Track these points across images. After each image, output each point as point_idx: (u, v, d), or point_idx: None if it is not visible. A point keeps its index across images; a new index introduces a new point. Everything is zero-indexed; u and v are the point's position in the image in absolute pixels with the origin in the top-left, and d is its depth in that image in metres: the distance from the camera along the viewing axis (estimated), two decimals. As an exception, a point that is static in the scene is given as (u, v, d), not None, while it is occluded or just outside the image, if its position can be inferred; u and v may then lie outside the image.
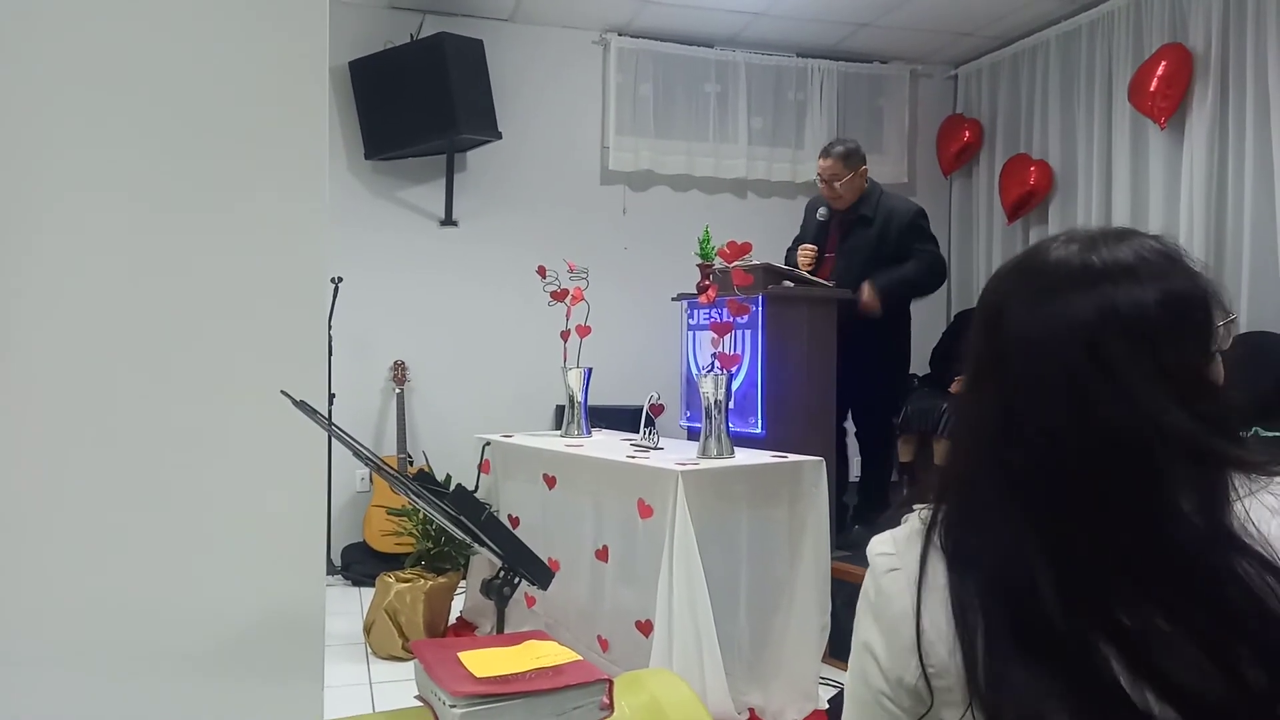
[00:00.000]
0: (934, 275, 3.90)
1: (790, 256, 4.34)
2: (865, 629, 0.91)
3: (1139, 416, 0.78)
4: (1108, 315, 0.80)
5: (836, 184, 4.03)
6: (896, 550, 0.89)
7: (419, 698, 1.17)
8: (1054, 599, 0.76)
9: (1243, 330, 4.12)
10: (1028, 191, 5.35)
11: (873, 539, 0.93)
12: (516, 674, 1.07)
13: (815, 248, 4.00)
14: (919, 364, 5.48)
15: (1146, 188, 4.69)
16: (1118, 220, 4.81)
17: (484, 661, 1.10)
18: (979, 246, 5.87)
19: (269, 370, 1.75)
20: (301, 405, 1.42)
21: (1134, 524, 0.77)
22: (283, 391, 1.48)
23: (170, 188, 1.77)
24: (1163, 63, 4.48)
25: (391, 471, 1.52)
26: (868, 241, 4.02)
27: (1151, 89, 4.51)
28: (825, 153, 4.11)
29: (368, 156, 4.94)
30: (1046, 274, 0.84)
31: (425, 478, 1.63)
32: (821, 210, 4.14)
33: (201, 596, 1.78)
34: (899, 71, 5.92)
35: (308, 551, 1.84)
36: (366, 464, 1.51)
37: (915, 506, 0.91)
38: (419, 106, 4.72)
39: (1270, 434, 3.37)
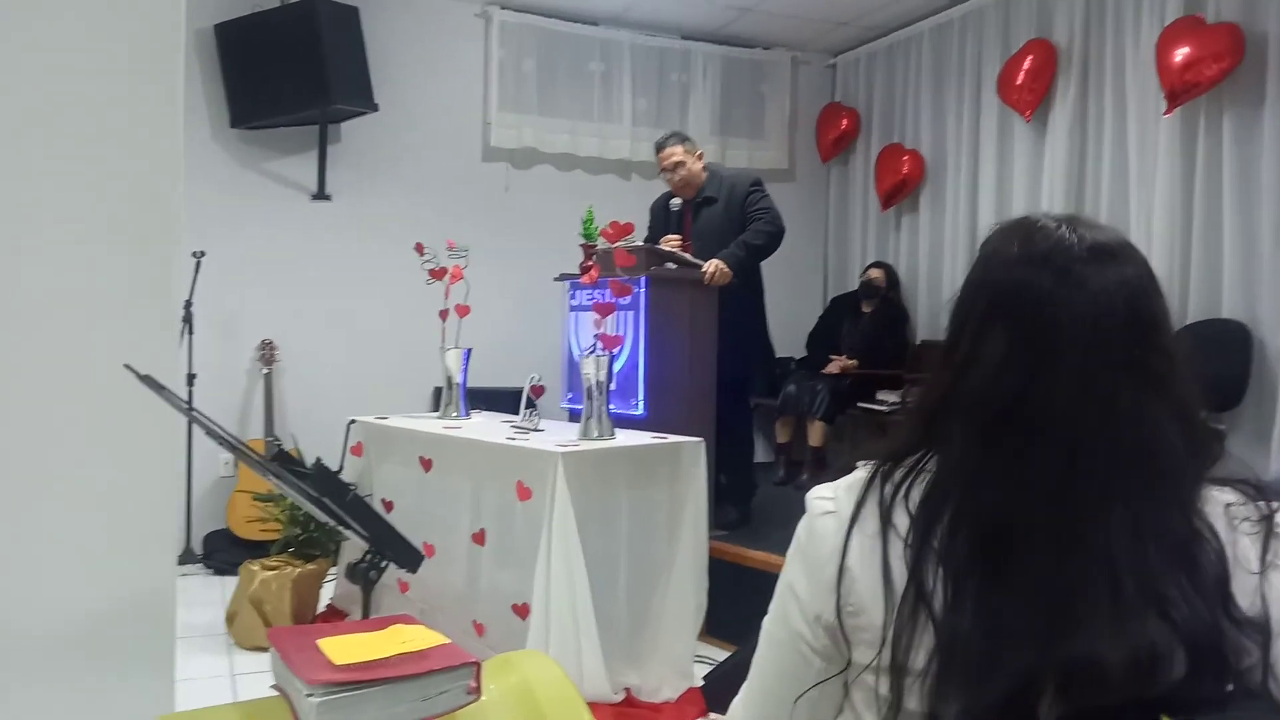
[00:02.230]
0: (772, 231, 3.96)
1: None
2: (791, 570, 0.94)
3: (1177, 389, 0.85)
4: (1135, 292, 0.86)
5: (682, 170, 4.06)
6: (835, 495, 0.92)
7: (275, 688, 1.10)
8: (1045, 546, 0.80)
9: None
10: (901, 180, 5.51)
11: (814, 488, 0.96)
12: (379, 660, 1.02)
13: (679, 237, 4.01)
14: (795, 347, 5.60)
15: (1011, 178, 4.88)
16: (984, 209, 4.99)
17: (344, 648, 1.04)
18: (854, 232, 6.01)
19: (116, 348, 1.64)
20: (147, 380, 1.32)
21: (1135, 494, 0.81)
22: (127, 366, 1.38)
23: (11, 154, 1.63)
24: (1029, 57, 4.67)
25: (250, 452, 1.43)
26: (717, 220, 4.06)
27: (1018, 82, 4.69)
28: (662, 145, 4.11)
29: (234, 125, 4.70)
30: (1064, 252, 0.86)
31: (286, 458, 1.55)
32: (675, 201, 4.16)
33: (43, 585, 1.66)
34: (780, 58, 6.00)
35: (158, 537, 1.73)
36: (220, 443, 1.42)
37: (859, 464, 0.94)
38: (289, 74, 4.51)
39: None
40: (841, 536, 0.88)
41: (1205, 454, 0.87)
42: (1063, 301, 0.84)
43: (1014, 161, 4.87)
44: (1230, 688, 0.81)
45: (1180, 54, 3.88)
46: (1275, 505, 0.87)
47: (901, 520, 0.87)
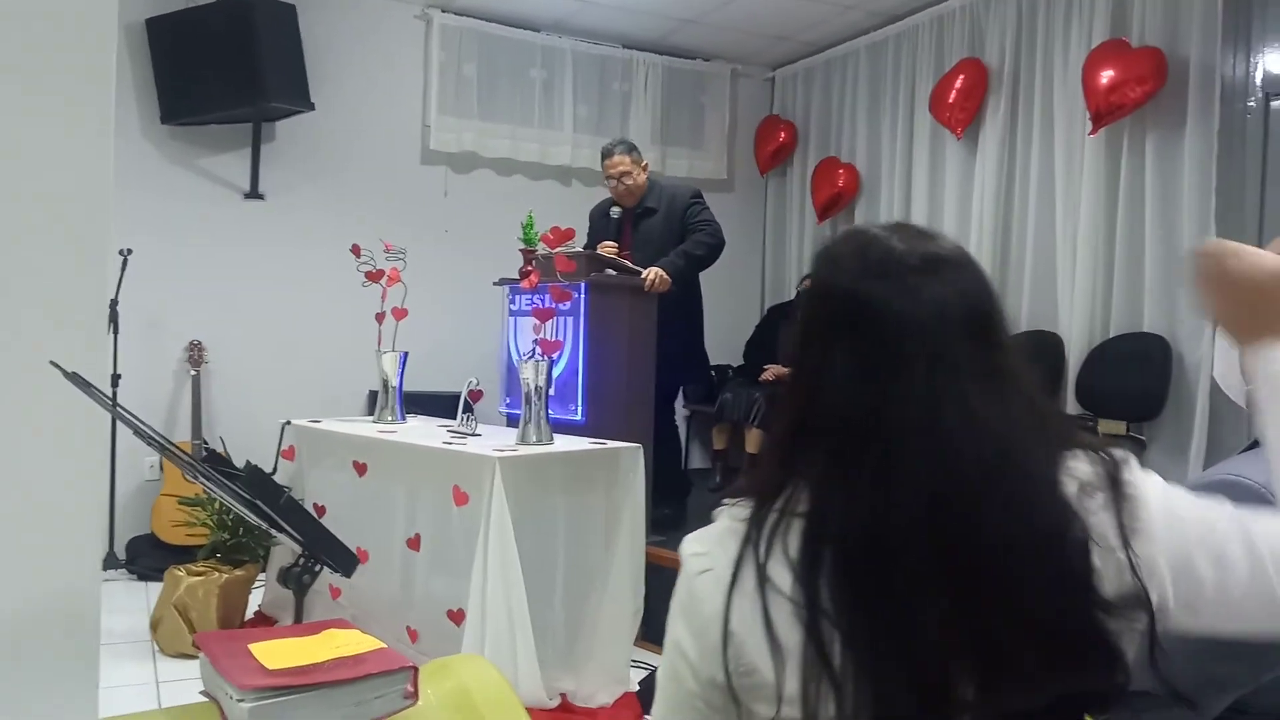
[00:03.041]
0: (712, 243, 4.01)
1: None
2: (677, 630, 0.90)
3: (1009, 387, 0.85)
4: (964, 297, 0.86)
5: (627, 180, 4.08)
6: (707, 550, 0.89)
7: (205, 693, 1.08)
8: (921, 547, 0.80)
9: (1024, 329, 4.46)
10: (837, 193, 5.59)
11: (685, 539, 0.92)
12: (312, 665, 1.00)
13: (616, 245, 4.03)
14: (732, 355, 5.65)
15: (943, 194, 4.99)
16: (916, 223, 5.09)
17: (277, 653, 1.02)
18: (791, 244, 6.09)
19: (40, 346, 1.58)
20: (74, 378, 1.28)
21: (1003, 494, 0.81)
22: (53, 363, 1.34)
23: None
24: (961, 76, 4.78)
25: (181, 454, 1.40)
26: (657, 230, 4.10)
27: (950, 100, 4.80)
28: (610, 152, 4.13)
29: (164, 120, 4.59)
30: (898, 262, 0.87)
31: (217, 459, 1.52)
32: (614, 209, 4.18)
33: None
34: (720, 70, 6.05)
35: (81, 541, 1.68)
36: (150, 444, 1.39)
37: (725, 503, 0.91)
38: (223, 70, 4.42)
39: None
40: (722, 599, 0.84)
41: (1060, 440, 0.88)
42: (901, 311, 0.84)
43: (945, 177, 4.99)
44: (1125, 680, 0.84)
45: (1106, 76, 4.02)
46: (1119, 458, 0.88)
47: (780, 574, 0.83)
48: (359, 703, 0.99)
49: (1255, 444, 1.14)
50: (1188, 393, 3.85)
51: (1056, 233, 4.40)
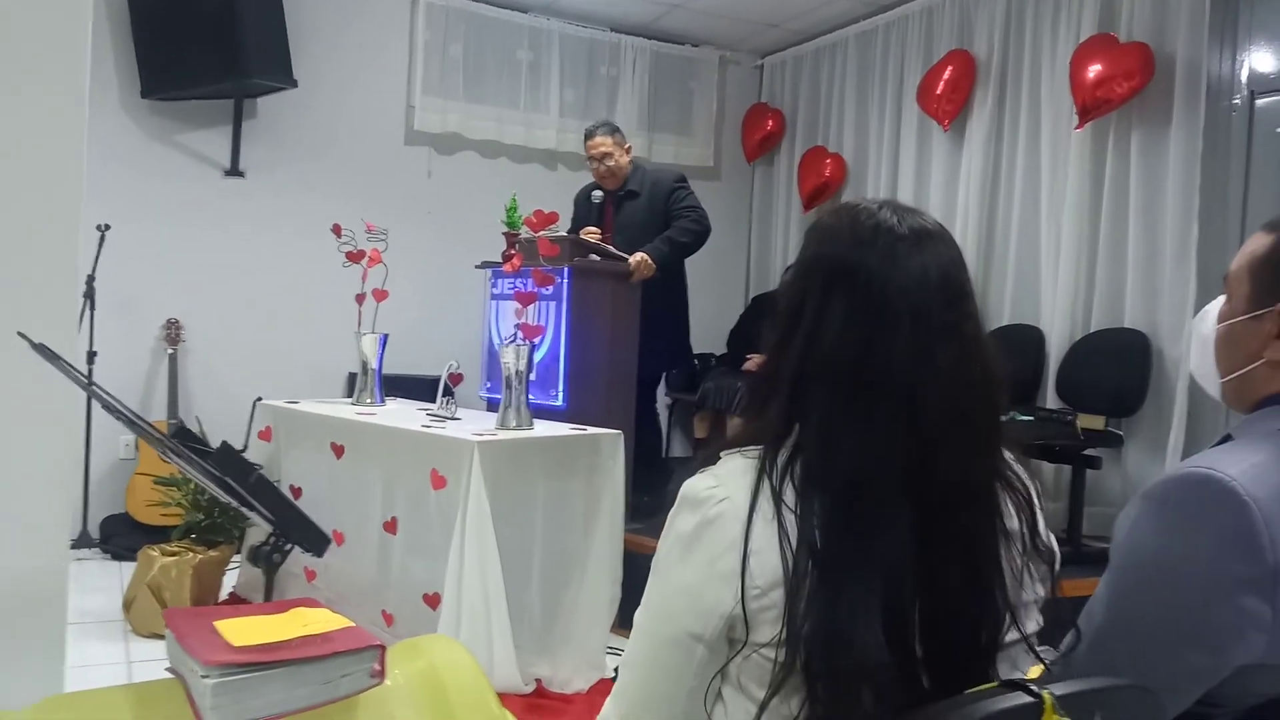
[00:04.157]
0: (698, 229, 3.99)
1: None
2: (679, 566, 0.94)
3: (982, 350, 0.96)
4: (947, 267, 0.96)
5: (609, 161, 4.05)
6: (722, 483, 0.94)
7: (171, 670, 1.06)
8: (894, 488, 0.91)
9: (1005, 322, 4.47)
10: (823, 182, 5.58)
11: (690, 480, 0.97)
12: (279, 642, 0.99)
13: (598, 230, 4.01)
14: (716, 344, 5.64)
15: (929, 185, 4.99)
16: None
17: (243, 630, 1.00)
18: (777, 233, 6.08)
19: (11, 320, 1.55)
20: (40, 349, 1.26)
21: (956, 442, 0.93)
22: (20, 333, 1.31)
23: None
24: (949, 67, 4.77)
25: (149, 428, 1.37)
26: (639, 213, 4.07)
27: (938, 92, 4.80)
28: (592, 133, 4.11)
29: (145, 95, 4.53)
30: (889, 232, 0.96)
31: (187, 435, 1.49)
32: (596, 193, 4.15)
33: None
34: (709, 56, 6.03)
35: (50, 519, 1.65)
36: (118, 417, 1.36)
37: (726, 452, 0.98)
38: (204, 45, 4.35)
39: (1025, 417, 3.67)
40: (741, 524, 0.90)
41: (1004, 404, 1.00)
42: (889, 277, 0.94)
43: (932, 169, 4.99)
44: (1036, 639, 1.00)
45: (1093, 71, 4.02)
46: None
47: (792, 499, 0.91)
48: (326, 681, 0.98)
49: (1228, 437, 1.14)
50: (1167, 388, 3.87)
51: (1041, 227, 4.41)
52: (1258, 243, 1.15)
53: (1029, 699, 0.83)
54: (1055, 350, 4.22)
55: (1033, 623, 1.00)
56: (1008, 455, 1.01)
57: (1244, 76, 3.82)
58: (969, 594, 0.92)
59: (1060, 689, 0.85)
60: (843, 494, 0.90)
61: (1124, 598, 1.05)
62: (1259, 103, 3.79)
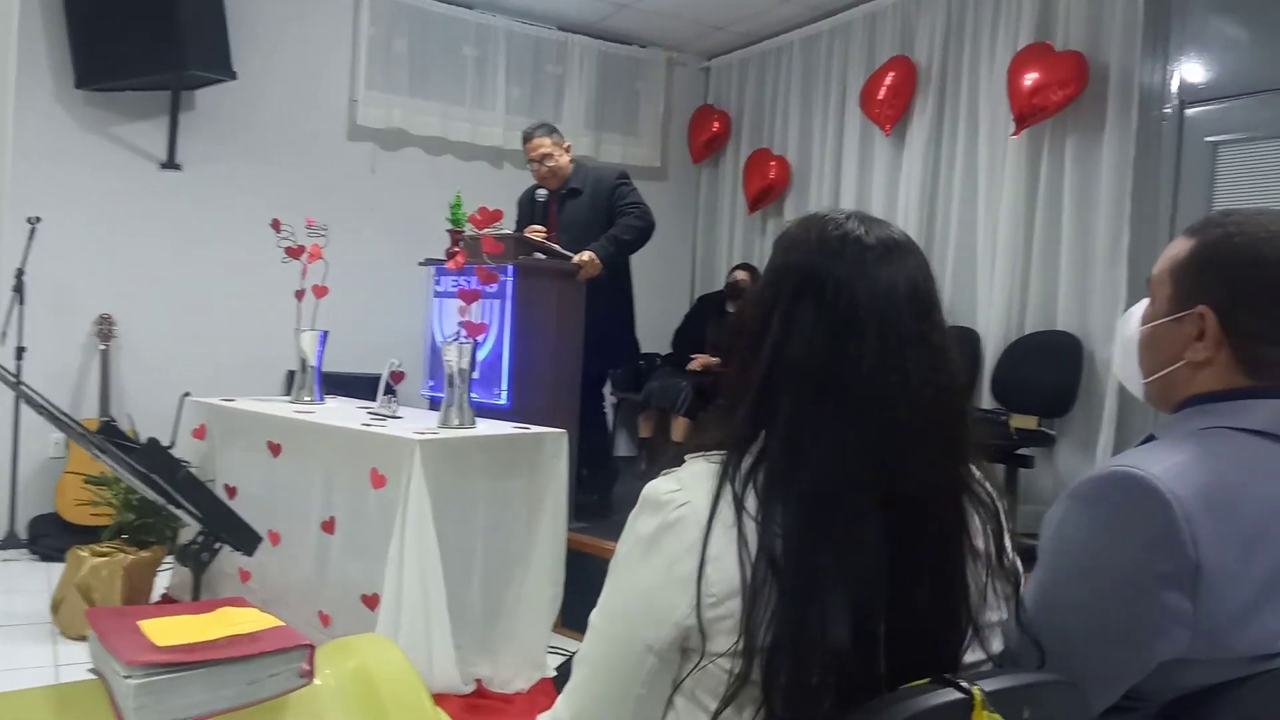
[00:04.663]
0: (642, 226, 3.99)
1: None
2: (637, 568, 0.94)
3: (950, 360, 0.96)
4: (915, 277, 0.97)
5: (549, 162, 4.04)
6: (684, 487, 0.94)
7: (93, 670, 1.03)
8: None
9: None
10: (768, 184, 5.63)
11: (652, 483, 0.97)
12: (204, 642, 0.97)
13: (543, 228, 4.00)
14: (661, 343, 5.65)
15: (871, 188, 5.06)
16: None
17: (168, 630, 0.98)
18: (722, 234, 6.12)
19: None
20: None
21: (926, 452, 0.93)
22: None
23: None
24: (891, 73, 4.84)
25: (74, 424, 1.33)
26: (583, 212, 4.06)
27: (880, 97, 4.87)
28: (530, 135, 4.09)
29: (79, 85, 4.40)
30: (856, 242, 0.97)
31: (114, 431, 1.45)
32: (540, 192, 4.14)
33: None
34: (656, 57, 6.04)
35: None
36: (40, 412, 1.32)
37: (690, 456, 0.98)
38: (141, 34, 4.25)
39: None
40: (701, 530, 0.89)
41: (972, 425, 1.00)
42: (857, 287, 0.94)
43: (874, 172, 5.05)
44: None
45: (1029, 79, 4.11)
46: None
47: (754, 507, 0.90)
48: (252, 681, 0.96)
49: (1151, 437, 1.17)
50: (1098, 389, 3.97)
51: (978, 231, 4.49)
52: (1179, 247, 1.18)
53: (959, 695, 0.84)
54: (991, 352, 4.31)
55: (996, 643, 0.99)
56: (977, 472, 1.00)
57: (1174, 86, 3.93)
58: (935, 609, 0.92)
59: (990, 684, 0.86)
60: (807, 503, 0.89)
61: (1050, 594, 1.07)
62: (1188, 112, 3.91)
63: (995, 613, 0.98)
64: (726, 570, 0.88)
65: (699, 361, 5.22)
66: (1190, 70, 3.90)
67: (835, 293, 0.94)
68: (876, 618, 0.88)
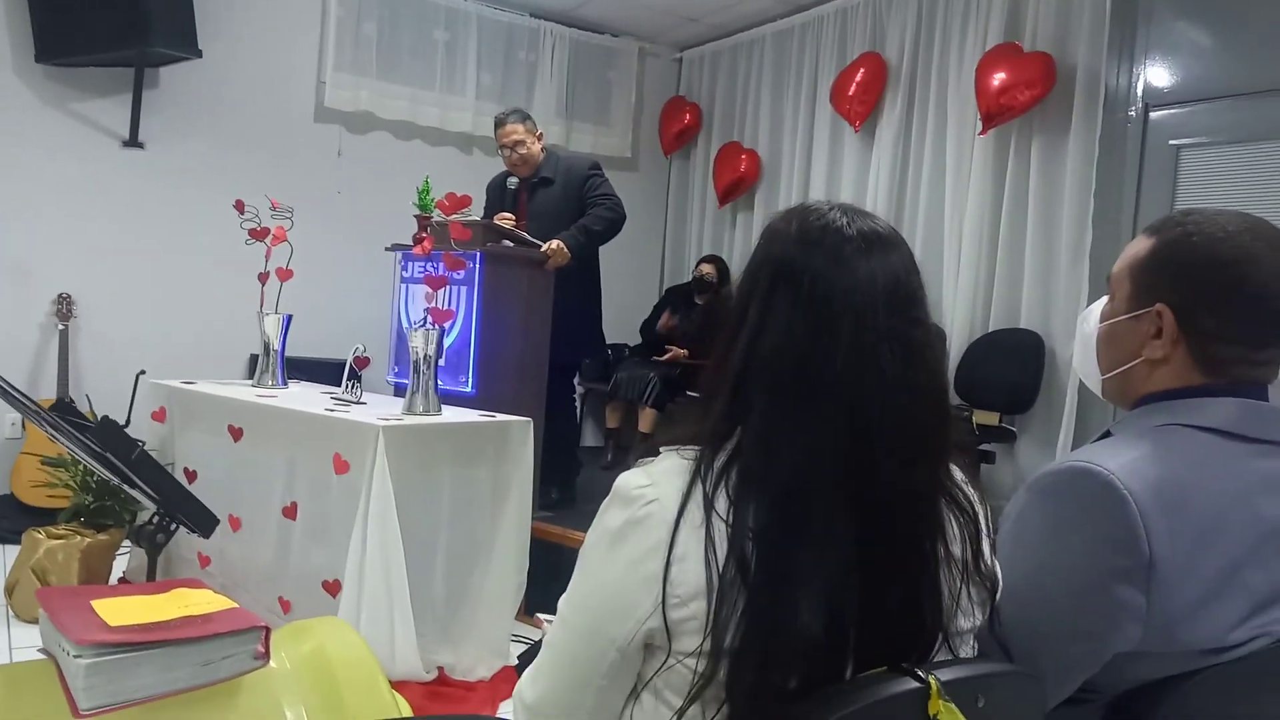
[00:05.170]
0: (613, 218, 3.98)
1: None
2: (604, 563, 0.93)
3: (929, 358, 0.94)
4: (891, 273, 0.94)
5: (521, 149, 4.02)
6: (654, 482, 0.92)
7: (44, 651, 1.01)
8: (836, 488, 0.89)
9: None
10: (739, 178, 5.64)
11: (624, 475, 0.95)
12: (157, 622, 0.95)
13: (512, 216, 3.98)
14: (629, 335, 5.65)
15: (840, 183, 5.09)
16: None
17: (121, 610, 0.97)
18: (692, 226, 6.12)
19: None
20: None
21: (901, 454, 0.90)
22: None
23: None
24: (861, 69, 4.87)
25: (24, 400, 1.31)
26: (554, 201, 4.05)
27: (850, 93, 4.89)
28: (503, 121, 4.06)
29: (39, 59, 4.31)
30: (836, 233, 0.95)
31: (67, 408, 1.42)
32: (511, 180, 4.12)
33: None
34: (628, 47, 6.02)
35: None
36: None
37: (664, 449, 0.96)
38: (105, 9, 4.16)
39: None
40: (668, 529, 0.88)
41: (952, 424, 0.98)
42: (834, 279, 0.92)
43: (843, 168, 5.08)
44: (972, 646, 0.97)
45: (997, 79, 4.14)
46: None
47: (724, 507, 0.89)
48: (206, 663, 0.95)
49: (1108, 433, 1.19)
50: (1059, 387, 4.02)
51: (944, 228, 4.53)
52: (1139, 246, 1.19)
53: (915, 684, 0.85)
54: (955, 348, 4.35)
55: (966, 650, 0.98)
56: (957, 475, 0.99)
57: (1139, 90, 3.99)
58: (904, 612, 0.90)
59: (946, 674, 0.86)
60: (780, 500, 0.88)
61: (1008, 587, 1.08)
62: (1153, 115, 3.96)
63: (968, 619, 0.97)
64: (692, 571, 0.87)
65: (672, 354, 5.23)
66: (1155, 74, 3.95)
67: (811, 284, 0.92)
68: (846, 619, 0.87)
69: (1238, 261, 1.09)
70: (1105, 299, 1.24)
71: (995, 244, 4.31)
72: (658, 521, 0.89)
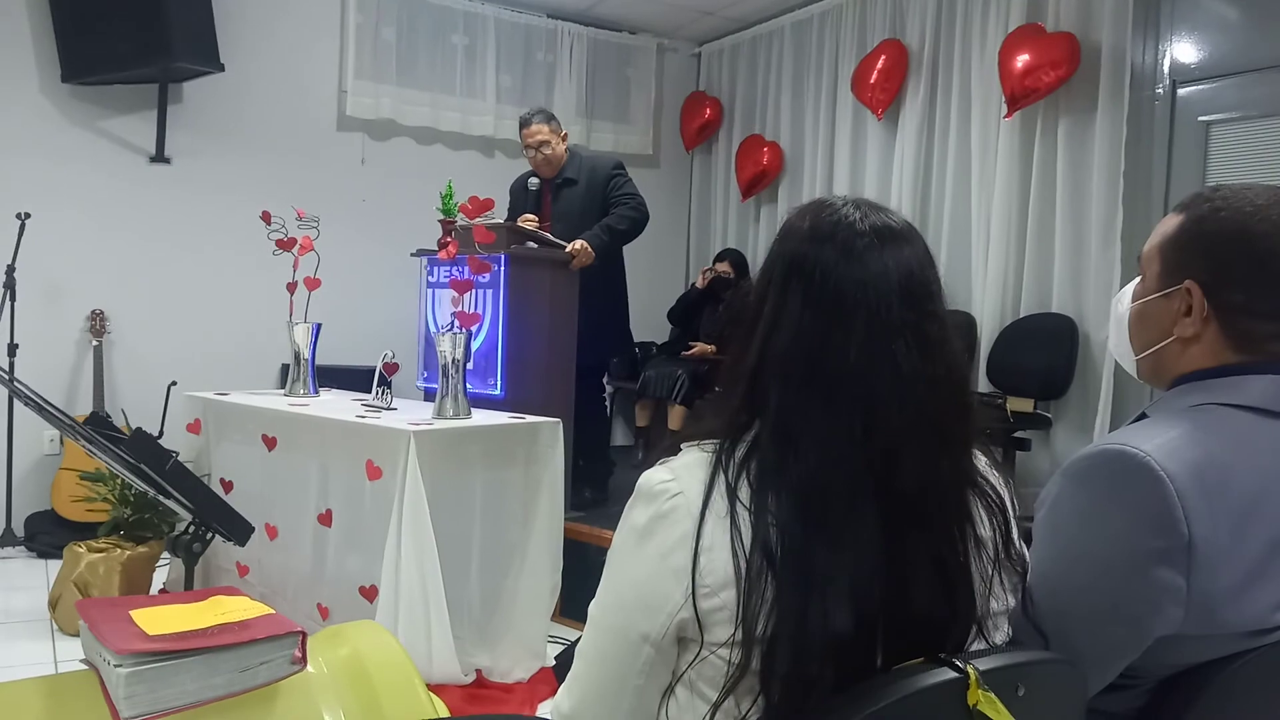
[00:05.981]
0: (637, 217, 3.97)
1: None
2: (631, 560, 0.93)
3: (946, 351, 0.94)
4: (905, 267, 0.94)
5: (545, 149, 4.02)
6: (676, 477, 0.93)
7: (85, 661, 1.03)
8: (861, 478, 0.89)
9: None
10: (761, 171, 5.62)
11: (646, 473, 0.96)
12: (195, 630, 0.96)
13: (536, 217, 3.98)
14: (656, 332, 5.65)
15: (864, 173, 5.04)
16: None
17: (159, 619, 0.98)
18: (716, 221, 6.10)
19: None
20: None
21: (918, 448, 0.91)
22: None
23: None
24: (882, 57, 4.82)
25: (59, 414, 1.33)
26: (578, 201, 4.05)
27: (871, 81, 4.85)
28: (528, 121, 4.06)
29: (65, 79, 4.38)
30: (849, 228, 0.95)
31: (101, 422, 1.44)
32: (533, 180, 4.12)
33: None
34: (646, 44, 6.02)
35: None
36: (36, 410, 1.31)
37: (685, 445, 0.97)
38: (128, 28, 4.22)
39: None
40: (694, 520, 0.89)
41: (974, 416, 0.98)
42: (845, 273, 0.93)
43: (866, 157, 5.04)
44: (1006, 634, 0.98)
45: (1021, 60, 4.09)
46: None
47: (747, 496, 0.89)
48: (244, 669, 0.96)
49: (1143, 415, 1.17)
50: (1093, 371, 3.97)
51: (972, 214, 4.48)
52: (1169, 223, 1.17)
53: (955, 674, 0.84)
54: (986, 335, 4.31)
55: (1001, 634, 0.98)
56: (982, 461, 0.99)
57: (1166, 66, 3.92)
58: (937, 602, 0.90)
59: (985, 664, 0.86)
60: (801, 493, 0.88)
61: (1045, 573, 1.07)
62: (1180, 92, 3.90)
63: (1001, 603, 0.97)
64: (720, 561, 0.87)
65: (697, 350, 5.22)
66: (1182, 50, 3.89)
67: (823, 279, 0.93)
68: (874, 609, 0.87)
69: (1267, 235, 1.07)
70: (1137, 279, 1.23)
71: (1024, 228, 4.26)
72: (683, 514, 0.90)
